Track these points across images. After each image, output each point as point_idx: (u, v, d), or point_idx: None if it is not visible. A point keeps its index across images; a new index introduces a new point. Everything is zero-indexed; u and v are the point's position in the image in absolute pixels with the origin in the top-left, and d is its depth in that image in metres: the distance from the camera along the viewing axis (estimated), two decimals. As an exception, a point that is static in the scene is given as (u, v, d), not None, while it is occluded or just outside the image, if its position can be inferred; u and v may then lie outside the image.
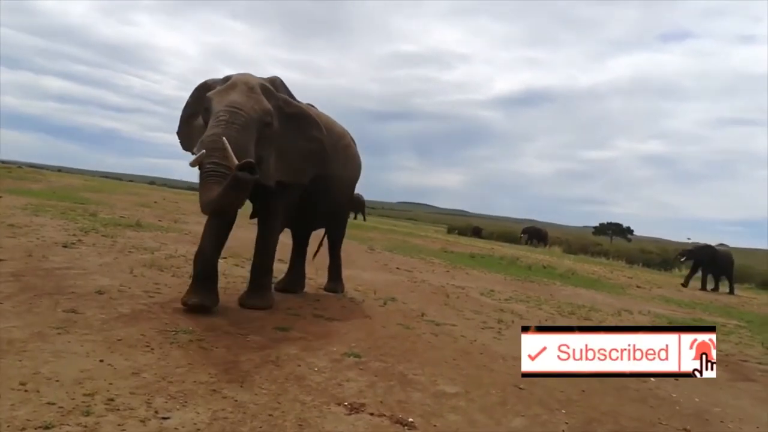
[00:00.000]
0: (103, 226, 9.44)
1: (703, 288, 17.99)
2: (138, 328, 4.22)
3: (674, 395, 4.81)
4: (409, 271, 10.86)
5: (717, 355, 7.03)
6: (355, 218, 32.87)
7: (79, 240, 7.64)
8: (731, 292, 18.06)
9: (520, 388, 4.27)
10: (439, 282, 9.94)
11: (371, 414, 3.31)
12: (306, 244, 7.15)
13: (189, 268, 6.83)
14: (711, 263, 18.35)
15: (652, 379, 5.25)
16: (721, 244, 20.15)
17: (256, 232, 5.73)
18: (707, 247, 18.84)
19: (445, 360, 4.78)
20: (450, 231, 40.77)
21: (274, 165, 5.25)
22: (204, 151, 4.53)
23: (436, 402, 3.70)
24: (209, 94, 4.99)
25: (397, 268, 11.15)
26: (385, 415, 3.31)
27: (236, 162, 4.35)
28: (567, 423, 3.71)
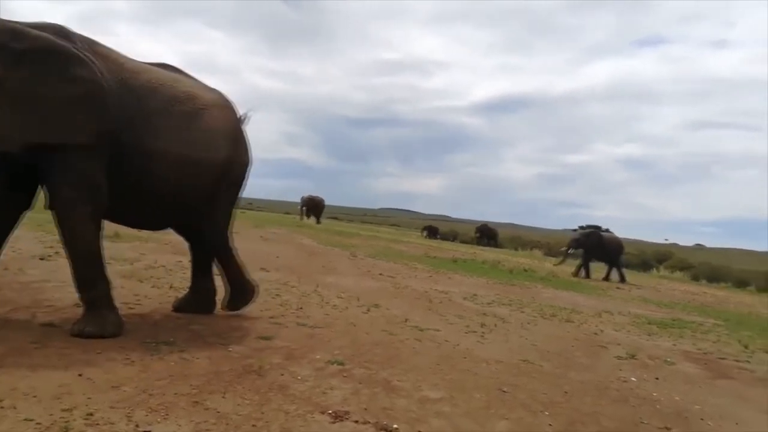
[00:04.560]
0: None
1: (587, 275, 17.60)
2: (117, 340, 4.16)
3: (655, 394, 4.88)
4: (393, 277, 10.87)
5: (696, 353, 7.18)
6: (319, 221, 32.84)
7: (56, 252, 7.50)
8: (622, 280, 17.74)
9: (503, 392, 4.30)
10: (423, 287, 9.96)
11: (355, 422, 3.30)
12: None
13: (169, 279, 6.79)
14: (598, 249, 18.01)
15: (633, 378, 5.32)
16: (607, 230, 19.86)
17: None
18: (593, 234, 18.44)
19: (429, 365, 4.78)
20: (430, 235, 41.08)
21: (13, 122, 3.91)
22: None
23: (420, 408, 3.70)
24: None
25: (380, 274, 11.15)
26: (369, 423, 3.31)
27: None
28: (551, 425, 3.73)
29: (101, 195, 4.37)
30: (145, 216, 5.11)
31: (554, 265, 19.68)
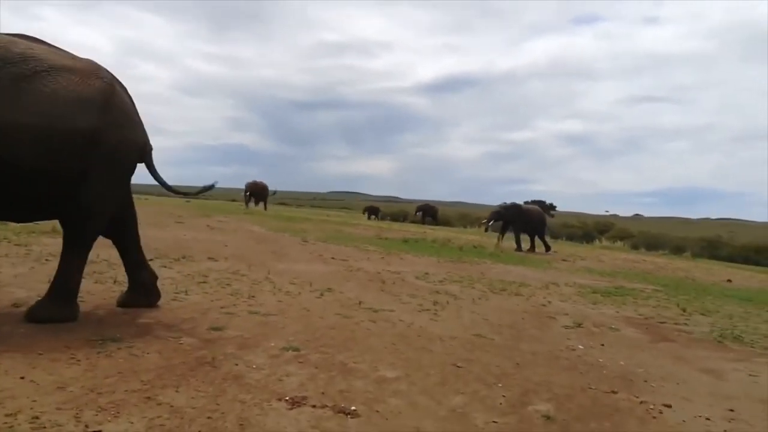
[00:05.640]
0: (16, 235, 8.86)
1: (518, 248, 18.08)
2: (61, 340, 3.99)
3: (601, 360, 5.08)
4: (345, 260, 10.86)
5: (638, 318, 7.49)
6: (266, 207, 32.05)
7: (-11, 251, 7.14)
8: (547, 249, 18.42)
9: (458, 367, 4.39)
10: (375, 269, 10.00)
11: (313, 406, 3.30)
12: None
13: (112, 273, 6.56)
14: (518, 222, 18.48)
15: (580, 346, 5.53)
16: (541, 202, 20.98)
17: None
18: (513, 206, 18.90)
19: (385, 346, 4.82)
20: (372, 216, 41.49)
21: None
22: None
23: (377, 388, 3.73)
24: None
25: (332, 258, 11.11)
26: (327, 406, 3.31)
27: None
28: (504, 396, 3.84)
29: None
30: (33, 207, 4.43)
31: (485, 231, 21.47)
